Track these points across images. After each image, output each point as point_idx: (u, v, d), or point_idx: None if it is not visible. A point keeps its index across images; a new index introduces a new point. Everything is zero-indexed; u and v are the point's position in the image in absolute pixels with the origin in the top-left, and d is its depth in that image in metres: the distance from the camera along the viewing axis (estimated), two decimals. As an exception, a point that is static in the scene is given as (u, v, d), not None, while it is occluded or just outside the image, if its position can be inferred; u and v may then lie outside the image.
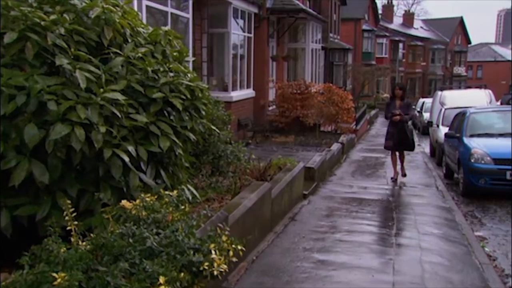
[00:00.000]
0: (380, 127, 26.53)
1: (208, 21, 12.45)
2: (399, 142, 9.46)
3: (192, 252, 2.71)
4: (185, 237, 2.84)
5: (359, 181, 10.07)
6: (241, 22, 13.93)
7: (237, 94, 13.37)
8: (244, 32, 14.22)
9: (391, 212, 7.15)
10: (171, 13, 9.90)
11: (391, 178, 9.97)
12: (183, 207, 3.29)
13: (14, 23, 3.15)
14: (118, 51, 3.53)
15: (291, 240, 5.45)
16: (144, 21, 8.31)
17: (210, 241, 2.98)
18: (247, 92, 14.44)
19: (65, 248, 2.56)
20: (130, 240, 2.64)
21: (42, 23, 3.17)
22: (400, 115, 9.24)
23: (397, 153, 9.87)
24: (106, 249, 2.55)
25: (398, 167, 10.00)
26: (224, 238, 3.15)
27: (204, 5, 12.01)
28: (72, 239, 2.87)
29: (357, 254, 5.07)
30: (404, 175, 9.90)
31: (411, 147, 9.72)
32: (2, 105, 2.90)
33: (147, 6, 8.69)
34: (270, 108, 16.01)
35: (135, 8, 7.27)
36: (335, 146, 12.07)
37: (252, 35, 14.71)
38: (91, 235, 2.79)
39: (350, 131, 16.26)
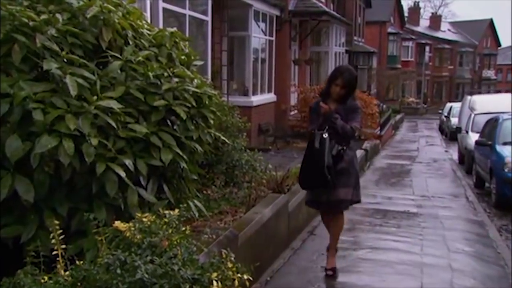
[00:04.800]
0: (406, 132, 25.87)
1: (228, 24, 12.15)
2: (315, 181, 4.30)
3: (188, 286, 2.36)
4: (183, 266, 2.49)
5: (383, 191, 9.60)
6: (262, 25, 13.60)
7: (257, 99, 13.04)
8: (265, 35, 13.89)
9: (418, 226, 6.68)
10: (189, 16, 9.64)
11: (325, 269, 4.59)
12: (184, 228, 2.93)
13: (0, 24, 2.86)
14: (117, 54, 3.22)
15: (309, 257, 5.05)
16: (160, 23, 8.05)
17: (212, 269, 2.62)
18: (268, 97, 14.10)
19: (43, 281, 2.24)
20: (118, 271, 2.30)
21: (31, 23, 2.87)
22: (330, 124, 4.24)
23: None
24: (87, 283, 2.22)
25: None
26: (229, 264, 2.79)
27: (224, 7, 11.72)
28: (58, 266, 2.56)
29: (381, 276, 4.64)
30: (332, 269, 4.51)
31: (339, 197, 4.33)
32: (-18, 114, 2.61)
33: (164, 9, 8.44)
34: (292, 113, 15.60)
35: (149, 10, 7.00)
36: (358, 153, 11.58)
37: (273, 38, 14.36)
38: (77, 263, 2.47)
39: (374, 137, 15.74)
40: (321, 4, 17.24)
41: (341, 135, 4.27)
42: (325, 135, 4.23)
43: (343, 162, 4.32)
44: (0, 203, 2.64)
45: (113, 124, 2.88)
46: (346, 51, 22.31)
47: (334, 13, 18.72)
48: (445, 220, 7.15)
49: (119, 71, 3.19)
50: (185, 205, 3.37)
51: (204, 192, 5.55)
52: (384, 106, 25.12)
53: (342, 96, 4.36)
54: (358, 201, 4.59)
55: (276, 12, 14.18)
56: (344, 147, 4.31)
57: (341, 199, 4.39)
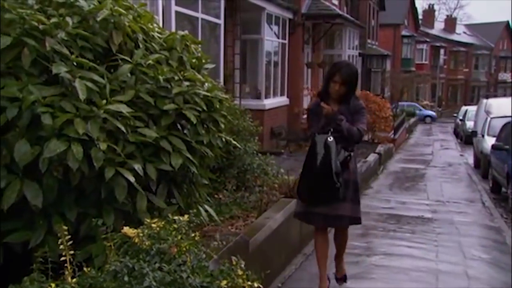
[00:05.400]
0: (420, 135, 25.62)
1: (241, 27, 12.12)
2: (320, 192, 3.81)
3: (196, 295, 2.30)
4: (192, 273, 2.44)
5: (397, 195, 9.47)
6: (275, 28, 13.56)
7: (270, 102, 12.99)
8: (278, 38, 13.84)
9: (432, 232, 6.56)
10: (202, 19, 9.62)
11: None
12: (194, 234, 2.88)
13: (10, 27, 2.84)
14: (127, 58, 3.18)
15: (322, 263, 4.97)
16: (173, 27, 8.04)
17: (222, 277, 2.57)
18: (281, 100, 14.04)
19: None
20: (126, 279, 2.25)
21: (41, 26, 2.85)
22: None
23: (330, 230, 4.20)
24: (94, 291, 2.18)
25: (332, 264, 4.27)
26: (239, 272, 2.73)
27: (236, 10, 11.69)
28: (66, 273, 2.52)
29: (395, 283, 4.56)
30: (342, 279, 4.24)
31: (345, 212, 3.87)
32: (-9, 118, 2.58)
33: (176, 12, 8.43)
34: (305, 116, 15.49)
35: (161, 13, 6.98)
36: (372, 157, 11.47)
37: (286, 41, 14.30)
38: (85, 270, 2.43)
39: (388, 140, 15.58)
40: (334, 7, 17.14)
41: (347, 138, 3.81)
42: (330, 139, 3.78)
43: (348, 172, 3.82)
44: (8, 208, 2.61)
45: (123, 128, 2.84)
46: (360, 54, 22.16)
47: (348, 16, 18.60)
48: (461, 226, 7.02)
49: (129, 74, 3.15)
50: (195, 210, 3.33)
51: (216, 196, 5.51)
52: (398, 109, 24.91)
53: (342, 95, 3.85)
54: (359, 221, 3.97)
55: (289, 15, 14.12)
56: (351, 153, 3.86)
57: (344, 215, 3.85)
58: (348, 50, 18.66)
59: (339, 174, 3.73)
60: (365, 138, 15.41)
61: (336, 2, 19.40)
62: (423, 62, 41.33)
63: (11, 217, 2.76)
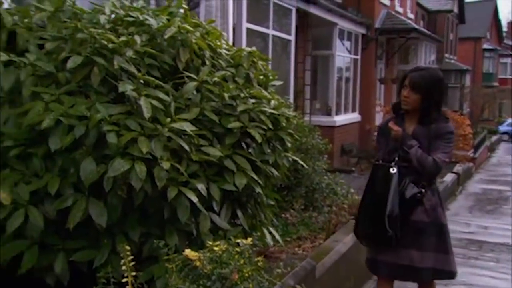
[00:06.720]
0: (503, 154, 24.04)
1: (312, 43, 12.02)
2: (372, 237, 3.24)
3: (257, 327, 2.16)
4: (253, 302, 2.31)
5: (477, 219, 8.83)
6: (347, 43, 13.32)
7: (341, 119, 12.72)
8: (350, 53, 13.59)
9: (520, 262, 5.99)
10: (273, 35, 9.61)
11: None
12: (257, 259, 2.75)
13: (82, 46, 2.89)
14: (192, 75, 3.14)
15: (394, 291, 4.66)
16: (244, 43, 8.07)
17: (285, 307, 2.41)
18: (352, 117, 13.72)
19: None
20: (185, 306, 2.16)
21: (110, 45, 2.87)
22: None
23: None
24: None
25: None
26: (304, 301, 2.56)
27: (308, 26, 11.62)
28: (127, 294, 2.48)
29: (477, 318, 4.16)
30: None
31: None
32: (59, 137, 2.61)
33: (247, 29, 8.47)
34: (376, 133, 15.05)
35: (231, 30, 7.02)
36: (449, 177, 10.83)
37: (358, 56, 14.01)
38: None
39: (467, 159, 14.71)
40: (410, 21, 16.60)
41: (418, 170, 3.04)
42: (393, 170, 3.03)
43: (421, 212, 3.08)
44: (74, 226, 2.61)
45: (186, 147, 2.78)
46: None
47: (424, 30, 17.95)
48: (553, 255, 6.37)
49: (194, 92, 3.11)
50: (259, 233, 3.21)
51: (282, 216, 5.37)
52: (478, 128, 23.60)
53: (418, 109, 3.04)
54: (451, 275, 3.20)
55: (362, 30, 13.83)
56: (424, 189, 3.06)
57: (416, 266, 3.09)
58: (424, 65, 17.95)
59: (394, 218, 2.99)
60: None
61: (412, 16, 18.82)
62: (507, 76, 39.08)
63: (76, 235, 2.77)
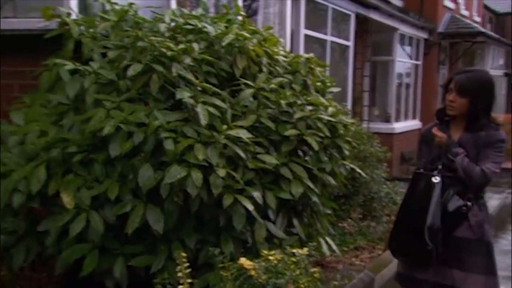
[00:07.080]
0: None
1: (371, 49, 11.78)
2: (409, 251, 2.86)
3: None
4: (308, 315, 2.25)
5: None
6: (407, 49, 12.95)
7: (400, 126, 12.36)
8: (410, 59, 13.20)
9: None
10: (331, 41, 9.50)
11: None
12: (313, 270, 2.68)
13: (142, 54, 2.95)
14: (249, 82, 3.13)
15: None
16: (301, 50, 8.03)
17: (342, 322, 2.33)
18: (412, 124, 13.30)
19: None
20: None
21: (169, 53, 2.91)
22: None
23: None
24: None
25: None
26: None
27: (367, 32, 11.39)
28: (184, 301, 2.48)
29: None
30: None
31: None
32: (119, 143, 2.67)
33: (305, 35, 8.42)
34: (439, 140, 14.49)
35: (289, 36, 6.99)
36: (503, 195, 10.21)
37: (420, 62, 13.58)
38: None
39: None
40: (476, 25, 15.92)
41: (464, 181, 2.72)
42: (436, 179, 2.74)
43: (466, 228, 2.75)
44: (132, 232, 2.66)
45: (242, 154, 2.77)
46: (505, 74, 20.25)
47: (491, 33, 17.16)
48: None
49: (251, 99, 3.09)
50: (315, 242, 3.14)
51: (339, 225, 5.25)
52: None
53: (465, 114, 2.75)
54: None
55: (423, 35, 13.41)
56: (469, 203, 2.74)
57: None
58: (491, 70, 17.14)
59: (435, 231, 2.68)
60: (509, 165, 13.83)
61: (479, 19, 18.05)
62: None
63: (134, 241, 2.82)
